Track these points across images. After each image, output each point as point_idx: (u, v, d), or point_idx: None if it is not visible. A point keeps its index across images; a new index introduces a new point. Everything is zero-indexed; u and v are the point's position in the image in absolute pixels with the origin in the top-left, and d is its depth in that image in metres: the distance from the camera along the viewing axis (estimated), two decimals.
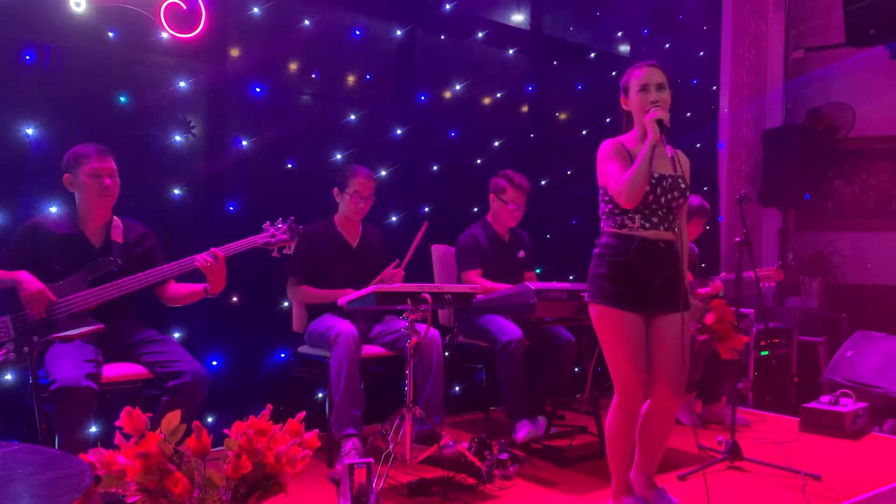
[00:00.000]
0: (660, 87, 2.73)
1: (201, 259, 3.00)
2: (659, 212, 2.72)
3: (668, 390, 2.77)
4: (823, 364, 5.12)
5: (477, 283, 3.98)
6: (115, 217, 3.12)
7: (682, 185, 2.76)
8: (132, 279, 2.94)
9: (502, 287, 3.83)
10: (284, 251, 3.24)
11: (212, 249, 3.02)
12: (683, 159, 2.88)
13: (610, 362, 2.75)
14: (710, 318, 3.19)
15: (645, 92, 2.73)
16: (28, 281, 2.78)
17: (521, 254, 4.28)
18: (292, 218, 3.25)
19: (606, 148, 2.80)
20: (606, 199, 2.80)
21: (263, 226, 3.23)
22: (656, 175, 2.70)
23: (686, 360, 2.79)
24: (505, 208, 4.12)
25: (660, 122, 2.65)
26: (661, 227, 2.73)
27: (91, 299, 2.87)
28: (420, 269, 4.10)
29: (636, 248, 2.70)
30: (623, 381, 2.73)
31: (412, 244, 3.68)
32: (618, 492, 2.88)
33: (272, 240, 3.19)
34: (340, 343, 3.37)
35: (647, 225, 2.72)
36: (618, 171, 2.71)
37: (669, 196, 2.73)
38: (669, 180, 2.73)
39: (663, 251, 2.73)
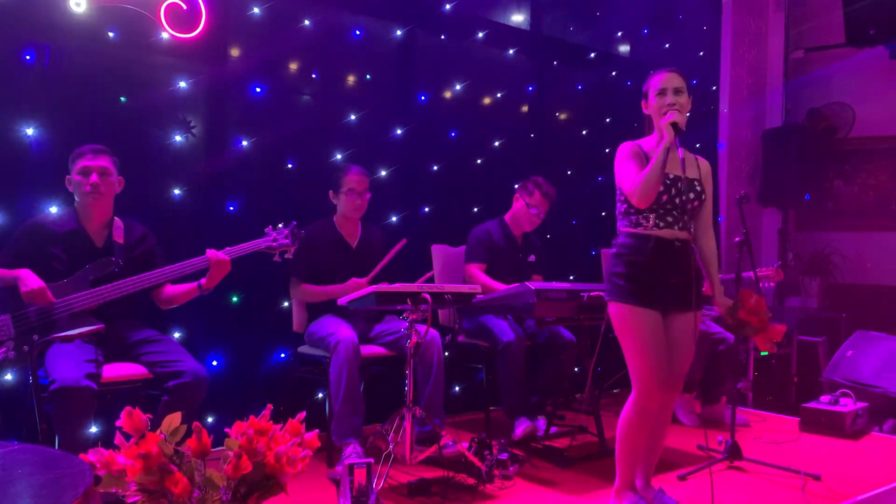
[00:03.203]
0: (677, 91, 2.79)
1: (212, 252, 3.02)
2: (674, 212, 2.77)
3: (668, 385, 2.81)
4: (823, 364, 5.12)
5: (477, 278, 3.99)
6: (115, 217, 3.12)
7: (698, 188, 2.83)
8: (135, 279, 2.94)
9: (503, 286, 3.83)
10: (286, 255, 3.25)
11: (217, 252, 3.04)
12: (704, 165, 2.95)
13: (629, 359, 2.77)
14: (742, 312, 3.10)
15: (662, 95, 2.79)
16: (28, 278, 2.78)
17: (532, 258, 4.31)
18: (294, 223, 3.27)
19: (625, 149, 2.85)
20: (622, 198, 2.84)
21: (266, 230, 3.24)
22: (671, 176, 2.76)
23: (691, 357, 2.88)
24: (527, 211, 4.17)
25: (674, 125, 2.70)
26: (676, 227, 2.77)
27: (92, 299, 2.87)
28: (420, 269, 4.09)
29: (652, 247, 2.75)
30: (642, 377, 2.75)
31: (384, 258, 3.68)
32: (621, 487, 2.89)
33: (274, 244, 3.20)
34: (340, 351, 3.36)
35: (661, 224, 2.76)
36: (634, 171, 2.76)
37: (684, 197, 2.78)
38: (685, 181, 2.78)
39: (678, 250, 2.78)
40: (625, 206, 2.83)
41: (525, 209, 4.17)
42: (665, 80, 2.80)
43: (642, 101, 2.89)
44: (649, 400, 2.77)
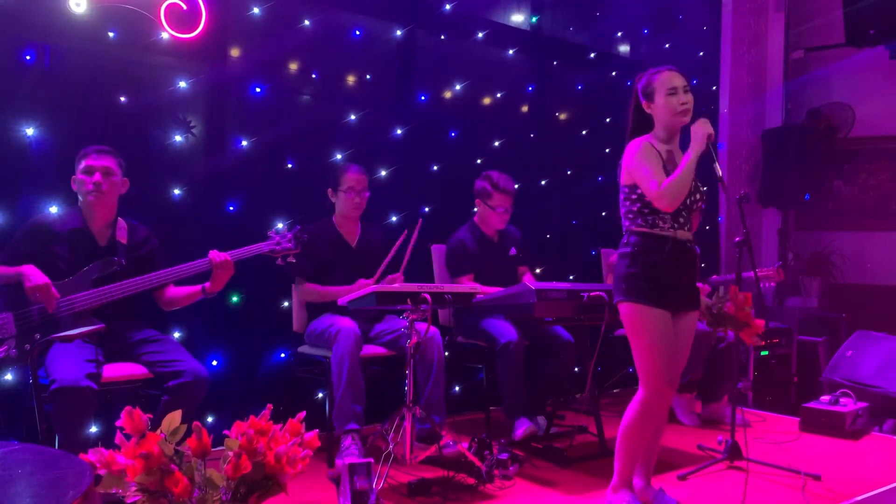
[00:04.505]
0: (685, 89, 2.81)
1: (215, 253, 3.02)
2: (683, 212, 2.80)
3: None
4: (823, 364, 5.12)
5: None
6: (119, 218, 3.12)
7: (703, 188, 2.86)
8: (138, 280, 2.95)
9: (495, 290, 3.81)
10: (288, 259, 3.25)
11: (220, 253, 3.04)
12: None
13: (641, 359, 2.77)
14: (730, 307, 3.24)
15: (674, 95, 2.79)
16: (33, 274, 2.79)
17: (513, 251, 4.28)
18: (297, 227, 3.29)
19: (638, 148, 2.80)
20: (634, 197, 2.81)
21: (269, 233, 3.25)
22: None
23: (688, 356, 2.91)
24: (493, 213, 4.11)
25: (709, 137, 2.74)
26: (686, 228, 2.81)
27: (94, 299, 2.87)
28: (420, 270, 4.10)
29: (670, 248, 2.75)
30: (652, 378, 2.74)
31: (408, 247, 3.66)
32: (619, 485, 2.90)
33: (277, 248, 3.21)
34: (341, 339, 3.38)
35: (675, 225, 2.78)
36: (654, 171, 2.73)
37: (692, 199, 2.82)
38: (693, 183, 2.80)
39: (689, 251, 2.81)
40: (637, 205, 2.79)
41: (489, 212, 4.11)
42: (672, 79, 2.80)
43: (643, 102, 2.86)
44: (658, 400, 2.77)
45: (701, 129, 2.74)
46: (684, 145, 2.92)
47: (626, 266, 2.79)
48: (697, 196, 2.83)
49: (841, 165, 6.53)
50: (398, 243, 3.64)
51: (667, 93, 2.79)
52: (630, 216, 2.84)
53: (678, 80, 2.80)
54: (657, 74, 2.83)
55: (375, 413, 3.74)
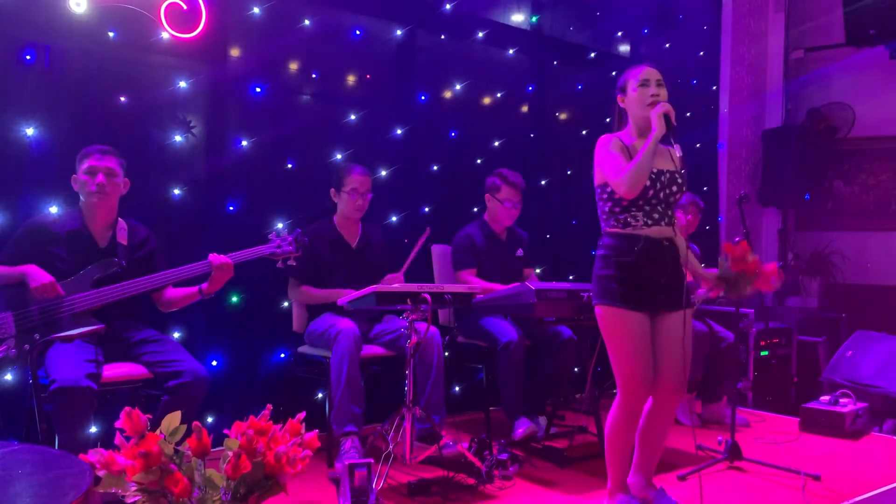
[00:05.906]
0: (659, 83, 2.78)
1: (215, 255, 3.03)
2: (658, 207, 2.74)
3: (669, 387, 2.80)
4: (823, 364, 5.12)
5: (471, 283, 3.98)
6: (119, 219, 3.12)
7: (680, 180, 2.80)
8: (138, 282, 2.95)
9: (497, 287, 3.83)
10: (289, 262, 3.26)
11: (220, 256, 3.05)
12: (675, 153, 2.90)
13: (615, 361, 2.76)
14: (734, 266, 3.02)
15: (645, 86, 2.77)
16: (37, 273, 2.79)
17: (520, 252, 4.29)
18: (298, 231, 3.29)
19: (605, 142, 2.82)
20: (605, 196, 2.80)
21: (269, 235, 3.25)
22: (655, 170, 2.73)
23: (688, 357, 2.82)
24: (501, 207, 4.13)
25: (666, 116, 2.68)
26: (662, 223, 2.75)
27: (95, 300, 2.87)
28: (420, 269, 4.10)
29: (641, 247, 2.72)
30: (627, 379, 2.74)
31: (413, 250, 3.68)
32: (614, 489, 2.89)
33: (278, 251, 3.22)
34: (341, 341, 3.37)
35: (649, 222, 2.73)
36: (618, 162, 2.72)
37: (668, 191, 2.76)
38: (668, 175, 2.76)
39: (666, 249, 2.76)
40: (609, 204, 2.79)
41: (499, 206, 4.14)
42: (646, 72, 2.79)
43: (618, 96, 2.86)
44: (634, 401, 2.76)
45: (656, 111, 2.69)
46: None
47: (599, 268, 2.79)
48: (674, 188, 2.77)
49: (841, 165, 6.53)
50: (421, 241, 3.66)
51: (638, 84, 2.78)
52: (604, 216, 2.83)
53: (651, 74, 2.78)
54: (633, 69, 2.83)
55: (375, 413, 3.74)
